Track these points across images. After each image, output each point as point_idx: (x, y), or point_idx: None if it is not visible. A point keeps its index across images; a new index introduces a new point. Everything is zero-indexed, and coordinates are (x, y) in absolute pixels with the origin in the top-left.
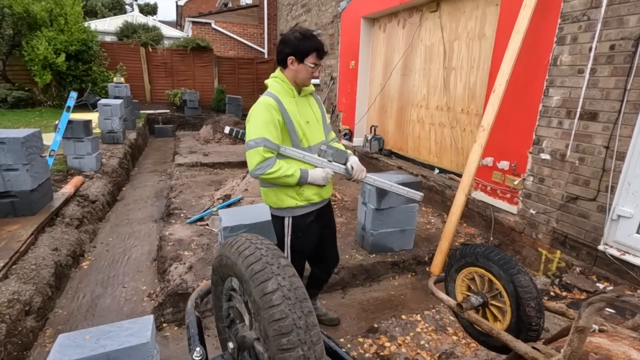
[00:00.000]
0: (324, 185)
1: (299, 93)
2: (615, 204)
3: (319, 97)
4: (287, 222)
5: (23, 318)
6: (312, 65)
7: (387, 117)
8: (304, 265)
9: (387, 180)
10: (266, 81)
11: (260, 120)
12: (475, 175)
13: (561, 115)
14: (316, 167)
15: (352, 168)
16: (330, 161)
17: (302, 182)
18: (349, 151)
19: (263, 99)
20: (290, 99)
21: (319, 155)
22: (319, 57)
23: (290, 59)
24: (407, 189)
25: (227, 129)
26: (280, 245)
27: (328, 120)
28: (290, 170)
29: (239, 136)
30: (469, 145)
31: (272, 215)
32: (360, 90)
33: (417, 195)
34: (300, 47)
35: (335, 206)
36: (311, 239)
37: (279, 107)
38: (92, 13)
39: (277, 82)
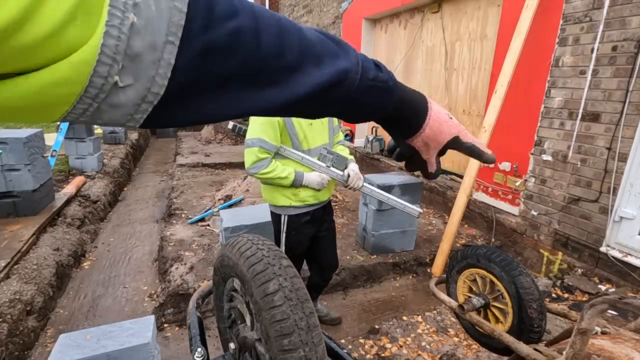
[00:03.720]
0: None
1: None
2: (618, 205)
3: None
4: (283, 220)
5: (24, 318)
6: None
7: None
8: (300, 265)
9: (388, 185)
10: None
11: (259, 120)
12: (477, 176)
13: (563, 116)
14: (313, 170)
15: (349, 176)
16: (328, 167)
17: (297, 185)
18: (351, 157)
19: None
20: None
21: (318, 159)
22: None
23: None
24: (405, 203)
25: (230, 125)
26: (276, 241)
27: (337, 122)
28: (284, 172)
29: (241, 133)
30: None
31: (271, 212)
32: None
33: (415, 211)
34: None
35: (336, 207)
36: (302, 240)
37: None
38: None
39: None
